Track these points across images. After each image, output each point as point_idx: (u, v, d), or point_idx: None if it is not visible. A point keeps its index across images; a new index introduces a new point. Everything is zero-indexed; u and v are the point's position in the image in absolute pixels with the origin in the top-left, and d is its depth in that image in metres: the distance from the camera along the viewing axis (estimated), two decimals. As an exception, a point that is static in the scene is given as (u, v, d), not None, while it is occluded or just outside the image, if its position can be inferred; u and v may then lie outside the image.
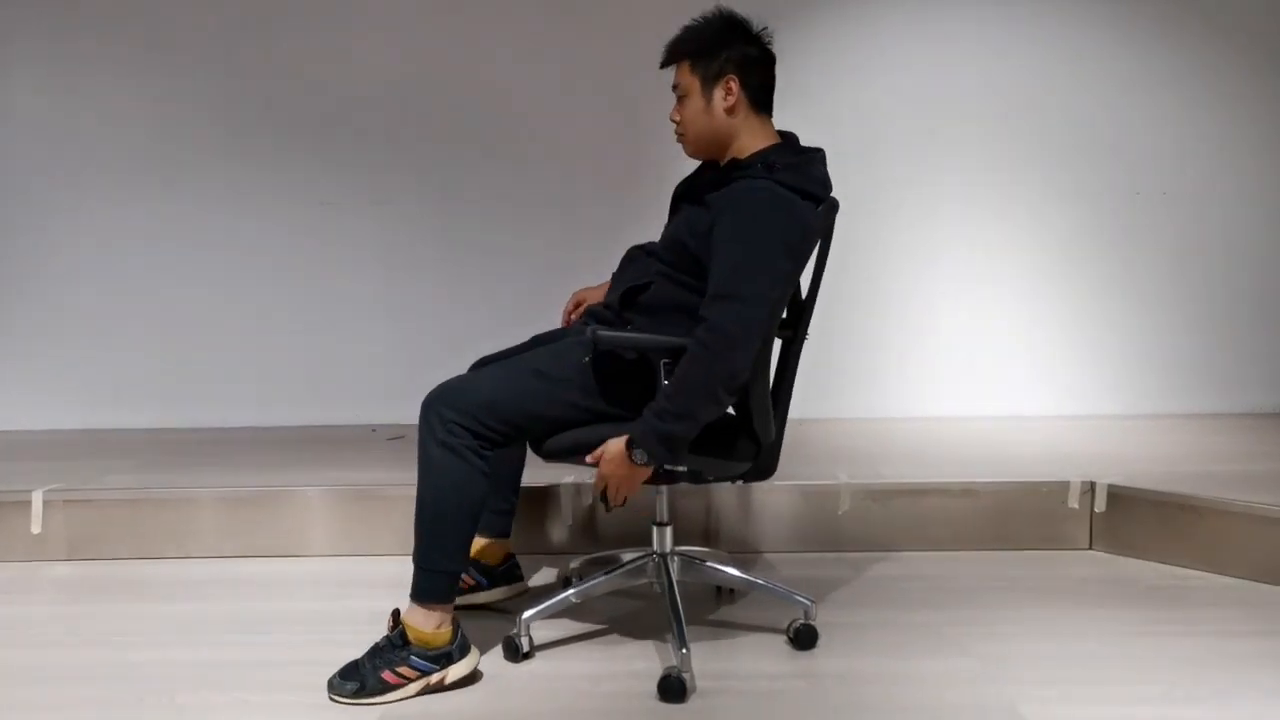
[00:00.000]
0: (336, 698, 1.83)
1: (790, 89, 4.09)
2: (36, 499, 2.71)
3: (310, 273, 3.84)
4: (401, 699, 1.83)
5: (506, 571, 2.27)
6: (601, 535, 2.73)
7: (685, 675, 1.84)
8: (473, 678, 1.90)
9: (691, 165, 2.14)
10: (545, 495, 2.72)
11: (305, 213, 3.82)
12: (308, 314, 3.85)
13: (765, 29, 1.99)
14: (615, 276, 2.14)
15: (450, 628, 1.88)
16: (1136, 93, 3.79)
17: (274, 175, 3.82)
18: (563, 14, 3.76)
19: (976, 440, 3.35)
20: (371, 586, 2.48)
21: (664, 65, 2.01)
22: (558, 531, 2.74)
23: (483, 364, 2.18)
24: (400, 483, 2.77)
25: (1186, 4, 3.76)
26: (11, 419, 3.83)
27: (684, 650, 1.86)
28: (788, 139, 2.02)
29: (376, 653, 1.86)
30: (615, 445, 1.83)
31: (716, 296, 1.80)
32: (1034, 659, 2.01)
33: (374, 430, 3.68)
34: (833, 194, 1.97)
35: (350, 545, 2.74)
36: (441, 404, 1.88)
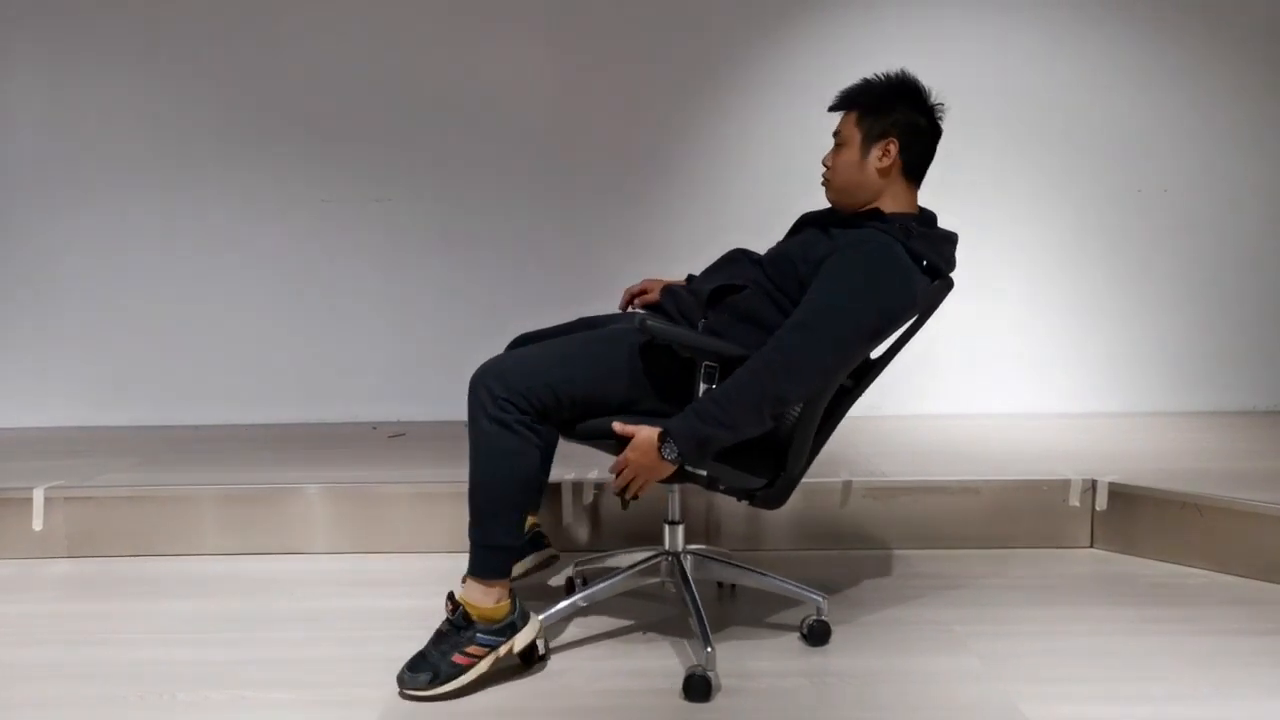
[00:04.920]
0: (412, 692, 1.82)
1: (791, 84, 4.10)
2: (38, 496, 2.72)
3: (311, 271, 3.84)
4: (476, 677, 1.84)
5: (533, 540, 2.27)
6: (603, 533, 2.73)
7: (710, 674, 1.84)
8: (536, 645, 1.92)
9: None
10: (546, 492, 2.71)
11: (306, 211, 3.82)
12: (308, 312, 3.85)
13: (940, 104, 1.99)
14: (709, 269, 2.12)
15: (509, 599, 1.88)
16: (1137, 90, 3.78)
17: (274, 174, 3.82)
18: (564, 11, 3.75)
19: (977, 438, 3.35)
20: (372, 584, 2.48)
21: (833, 109, 2.02)
22: (558, 528, 2.73)
23: (524, 340, 2.17)
24: (402, 480, 2.78)
25: (1188, 1, 3.76)
26: (13, 416, 3.84)
27: (709, 649, 1.85)
28: (926, 215, 2.02)
29: (441, 639, 1.86)
30: (647, 433, 1.81)
31: (800, 324, 1.80)
32: (1035, 657, 2.01)
33: (375, 428, 3.68)
34: (951, 275, 1.98)
35: (351, 543, 2.74)
36: (492, 379, 1.85)
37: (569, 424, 1.93)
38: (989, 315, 3.83)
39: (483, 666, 1.85)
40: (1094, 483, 2.71)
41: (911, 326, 1.99)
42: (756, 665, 1.97)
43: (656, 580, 2.17)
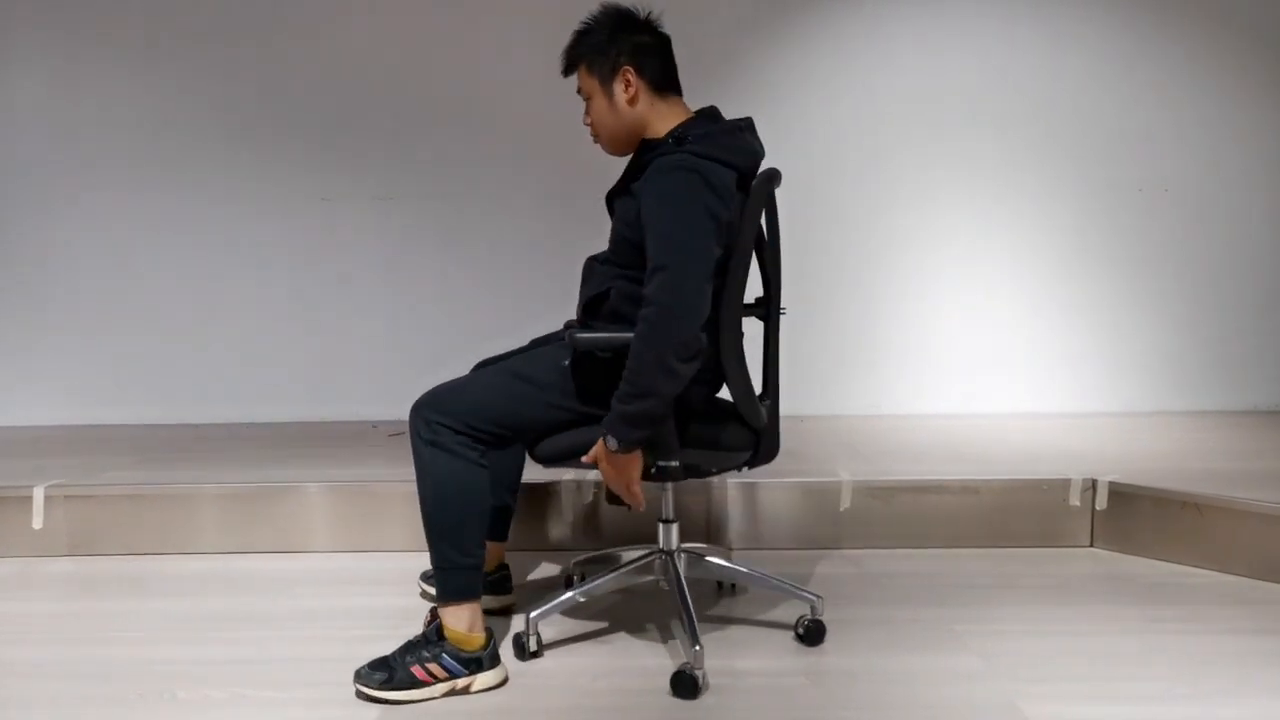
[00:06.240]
0: (363, 688, 1.83)
1: (792, 85, 4.09)
2: (38, 494, 2.72)
3: (311, 269, 3.84)
4: (426, 698, 1.83)
5: (497, 582, 2.26)
6: (602, 532, 2.73)
7: (698, 671, 1.85)
8: (498, 688, 1.89)
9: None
10: (546, 492, 2.72)
11: (306, 209, 3.82)
12: (308, 310, 3.85)
13: (652, 14, 2.01)
14: (580, 291, 2.14)
15: (484, 634, 1.89)
16: (1140, 89, 3.78)
17: (274, 172, 3.82)
18: (567, 9, 3.74)
19: (977, 437, 3.35)
20: (371, 583, 2.48)
21: (565, 74, 2.04)
22: (558, 528, 2.74)
23: (483, 367, 2.18)
24: (401, 479, 2.77)
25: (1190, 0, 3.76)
26: (13, 414, 3.84)
27: (697, 647, 1.86)
28: (707, 113, 2.01)
29: (410, 648, 1.87)
30: (599, 442, 1.85)
31: (652, 270, 1.81)
32: (1035, 656, 2.01)
33: (374, 426, 3.68)
34: (764, 162, 1.96)
35: (350, 541, 2.74)
36: (429, 408, 1.91)
37: (531, 447, 1.99)
38: (989, 315, 3.83)
39: (436, 691, 1.83)
40: (1094, 482, 2.71)
41: (771, 231, 2.02)
42: (747, 664, 1.98)
43: (651, 578, 2.18)
